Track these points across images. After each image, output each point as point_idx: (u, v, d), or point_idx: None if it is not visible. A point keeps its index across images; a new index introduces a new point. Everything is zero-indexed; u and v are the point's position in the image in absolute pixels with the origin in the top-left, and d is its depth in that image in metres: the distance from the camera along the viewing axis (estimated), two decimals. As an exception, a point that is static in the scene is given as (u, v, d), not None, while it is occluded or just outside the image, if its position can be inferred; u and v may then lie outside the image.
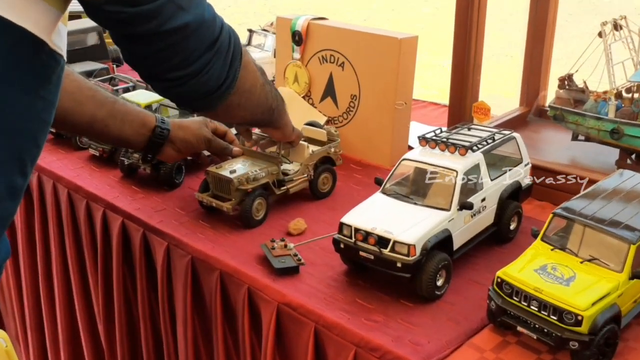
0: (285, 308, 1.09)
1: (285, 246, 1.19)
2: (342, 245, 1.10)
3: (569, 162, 1.47)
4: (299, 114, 1.70)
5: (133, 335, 1.47)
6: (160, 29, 0.81)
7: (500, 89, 4.21)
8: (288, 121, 1.30)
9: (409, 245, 1.03)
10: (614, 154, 1.42)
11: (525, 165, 1.26)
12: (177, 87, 0.91)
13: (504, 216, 1.21)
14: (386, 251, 1.04)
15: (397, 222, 1.07)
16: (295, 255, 1.17)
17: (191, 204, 1.38)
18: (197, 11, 0.84)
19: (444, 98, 2.18)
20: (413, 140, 1.66)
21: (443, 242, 1.08)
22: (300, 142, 1.40)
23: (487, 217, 1.19)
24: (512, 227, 1.24)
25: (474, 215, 1.15)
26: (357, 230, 1.07)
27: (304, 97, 1.74)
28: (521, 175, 1.25)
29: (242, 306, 1.15)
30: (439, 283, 1.07)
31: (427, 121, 1.89)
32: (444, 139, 1.18)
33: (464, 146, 1.14)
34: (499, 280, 0.96)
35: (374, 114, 1.59)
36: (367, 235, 1.06)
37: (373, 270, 1.13)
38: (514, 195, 1.24)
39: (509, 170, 1.22)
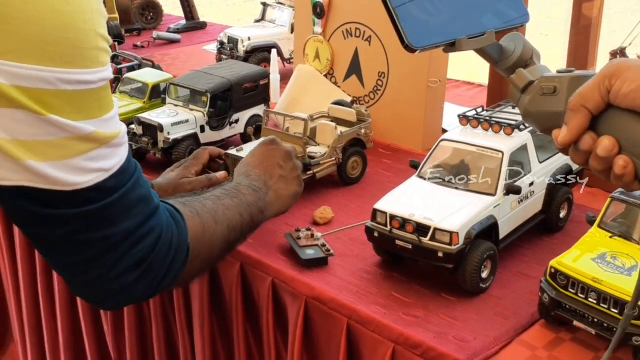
0: (315, 302, 1.09)
1: (312, 236, 1.20)
2: (376, 234, 1.10)
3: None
4: (321, 94, 1.71)
5: (144, 336, 1.49)
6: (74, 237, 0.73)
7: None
8: (273, 209, 1.13)
9: (451, 233, 1.03)
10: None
11: (576, 146, 1.26)
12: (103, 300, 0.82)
13: (554, 203, 1.21)
14: (426, 240, 1.04)
15: (438, 209, 1.07)
16: (324, 245, 1.17)
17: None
18: (127, 224, 0.75)
19: (480, 77, 2.18)
20: (447, 123, 1.66)
21: (488, 230, 1.08)
22: (328, 122, 1.40)
23: (535, 204, 1.19)
24: (562, 215, 1.24)
25: (522, 201, 1.15)
26: (393, 217, 1.07)
27: (326, 76, 1.74)
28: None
29: (267, 301, 1.16)
30: (484, 275, 1.07)
31: (462, 102, 1.89)
32: (488, 118, 1.18)
33: (510, 125, 1.14)
34: (552, 270, 0.96)
35: (405, 94, 1.59)
36: (404, 222, 1.06)
37: (410, 262, 1.14)
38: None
39: (557, 152, 1.22)
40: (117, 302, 0.82)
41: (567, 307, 0.94)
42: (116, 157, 0.74)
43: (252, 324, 1.23)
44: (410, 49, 0.66)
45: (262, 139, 1.22)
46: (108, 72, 0.72)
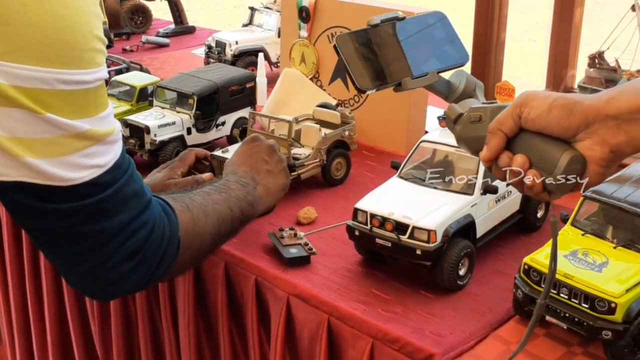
0: (297, 300, 1.12)
1: (295, 235, 1.22)
2: (356, 233, 1.13)
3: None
4: (307, 97, 1.73)
5: (130, 335, 1.51)
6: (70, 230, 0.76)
7: (524, 74, 4.23)
8: (263, 202, 1.14)
9: (429, 231, 1.06)
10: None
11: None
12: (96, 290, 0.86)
13: (531, 203, 1.24)
14: (405, 238, 1.07)
15: (416, 207, 1.10)
16: (306, 244, 1.20)
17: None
18: (121, 217, 0.78)
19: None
20: (430, 126, 1.69)
21: (465, 228, 1.11)
22: (312, 124, 1.43)
23: (512, 204, 1.22)
24: (539, 214, 1.27)
25: (499, 200, 1.18)
26: (373, 216, 1.10)
27: (311, 79, 1.77)
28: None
29: (250, 299, 1.18)
30: (461, 272, 1.10)
31: (444, 105, 1.91)
32: (466, 119, 1.21)
33: (487, 126, 1.17)
34: (525, 267, 0.99)
35: (388, 97, 1.59)
36: (384, 221, 1.09)
37: (390, 261, 1.17)
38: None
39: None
40: (111, 292, 0.85)
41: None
42: (110, 154, 0.76)
43: (236, 322, 1.26)
44: (360, 90, 0.78)
45: (245, 138, 1.24)
46: (103, 72, 0.74)
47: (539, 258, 0.99)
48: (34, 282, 1.74)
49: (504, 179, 0.76)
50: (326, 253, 1.21)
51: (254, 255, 1.21)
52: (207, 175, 1.31)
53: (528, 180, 0.73)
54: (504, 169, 0.75)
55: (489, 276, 1.15)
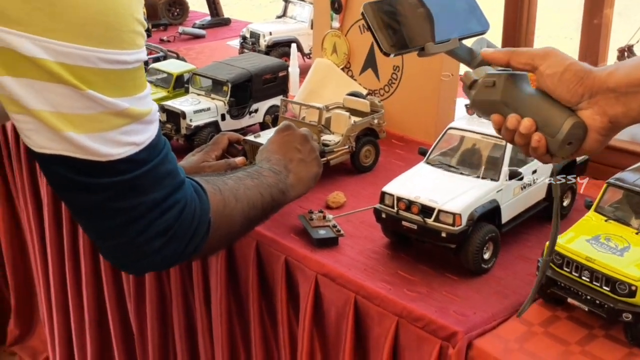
0: (324, 279, 1.15)
1: (324, 217, 1.26)
2: (383, 216, 1.16)
3: (628, 138, 1.50)
4: (338, 86, 1.76)
5: (164, 313, 1.56)
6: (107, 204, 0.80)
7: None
8: (295, 190, 1.18)
9: (454, 215, 1.08)
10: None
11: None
12: (128, 264, 0.90)
13: (557, 191, 1.25)
14: (430, 221, 1.10)
15: (442, 192, 1.12)
16: (335, 226, 1.23)
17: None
18: (155, 195, 0.82)
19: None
20: (459, 117, 1.70)
21: (491, 213, 1.13)
22: (342, 112, 1.46)
23: (538, 191, 1.23)
24: (565, 203, 1.29)
25: (524, 187, 1.19)
26: (399, 199, 1.13)
27: (343, 69, 1.80)
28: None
29: (280, 278, 1.22)
30: (486, 256, 1.12)
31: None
32: (493, 107, 1.23)
33: (514, 114, 1.19)
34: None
35: (418, 87, 1.64)
36: (410, 204, 1.12)
37: (416, 244, 1.19)
38: (568, 170, 1.28)
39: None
40: (143, 266, 0.90)
41: (562, 285, 0.99)
42: (147, 133, 0.81)
43: (266, 300, 1.30)
44: (385, 53, 0.82)
45: (278, 126, 1.28)
46: (143, 54, 0.79)
47: (562, 242, 1.01)
48: (73, 263, 1.80)
49: (511, 141, 0.84)
50: (353, 235, 1.24)
51: (284, 235, 1.24)
52: (239, 159, 1.35)
53: (534, 142, 0.80)
54: (511, 131, 0.82)
55: (514, 261, 1.17)
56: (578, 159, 1.30)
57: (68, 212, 1.76)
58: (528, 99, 0.81)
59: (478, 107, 0.86)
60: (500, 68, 0.85)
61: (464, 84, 0.87)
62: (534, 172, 1.21)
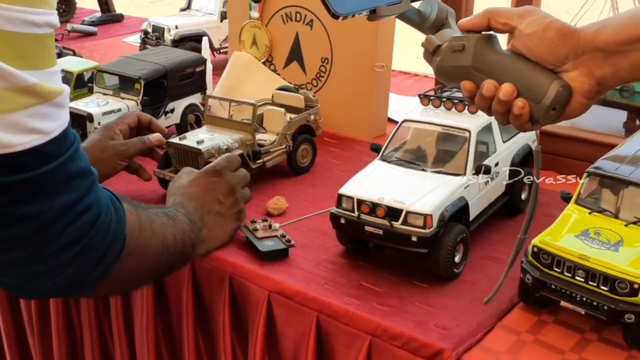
0: (278, 297, 1.00)
1: (270, 227, 1.10)
2: (342, 221, 1.02)
3: (570, 125, 1.45)
4: (260, 82, 1.62)
5: (73, 348, 1.34)
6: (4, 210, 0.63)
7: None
8: (204, 246, 1.03)
9: (425, 216, 0.96)
10: (619, 116, 1.41)
11: (535, 126, 1.23)
12: (21, 284, 0.71)
13: (516, 184, 1.17)
14: (398, 224, 0.97)
15: (407, 191, 1.00)
16: (283, 236, 1.08)
17: (149, 183, 1.26)
18: (65, 198, 0.66)
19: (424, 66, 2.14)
20: (392, 112, 1.60)
21: (460, 212, 1.02)
22: (276, 108, 1.31)
23: (499, 185, 1.14)
24: (523, 196, 1.20)
25: (487, 182, 1.10)
26: (361, 202, 1.00)
27: (264, 63, 1.65)
28: (531, 138, 1.21)
29: (223, 299, 1.05)
30: (457, 259, 1.01)
31: (400, 91, 1.84)
32: (451, 97, 1.12)
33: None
34: (535, 249, 0.91)
35: (350, 80, 1.52)
36: (374, 206, 0.99)
37: (375, 250, 1.07)
38: (524, 161, 1.20)
39: (518, 132, 1.18)
40: (39, 287, 0.70)
41: (553, 287, 0.89)
42: (57, 120, 0.64)
43: (204, 326, 1.12)
44: (335, 15, 0.72)
45: (207, 166, 1.10)
46: (54, 18, 0.62)
47: (549, 240, 0.91)
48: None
49: (487, 110, 0.75)
50: (305, 245, 1.10)
51: (225, 249, 1.07)
52: (155, 135, 1.21)
53: (517, 108, 0.72)
54: (487, 99, 0.73)
55: (482, 262, 1.07)
56: (533, 146, 1.22)
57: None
58: (505, 62, 0.74)
59: (444, 75, 0.78)
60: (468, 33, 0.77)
61: (425, 50, 0.78)
62: (496, 164, 1.11)
